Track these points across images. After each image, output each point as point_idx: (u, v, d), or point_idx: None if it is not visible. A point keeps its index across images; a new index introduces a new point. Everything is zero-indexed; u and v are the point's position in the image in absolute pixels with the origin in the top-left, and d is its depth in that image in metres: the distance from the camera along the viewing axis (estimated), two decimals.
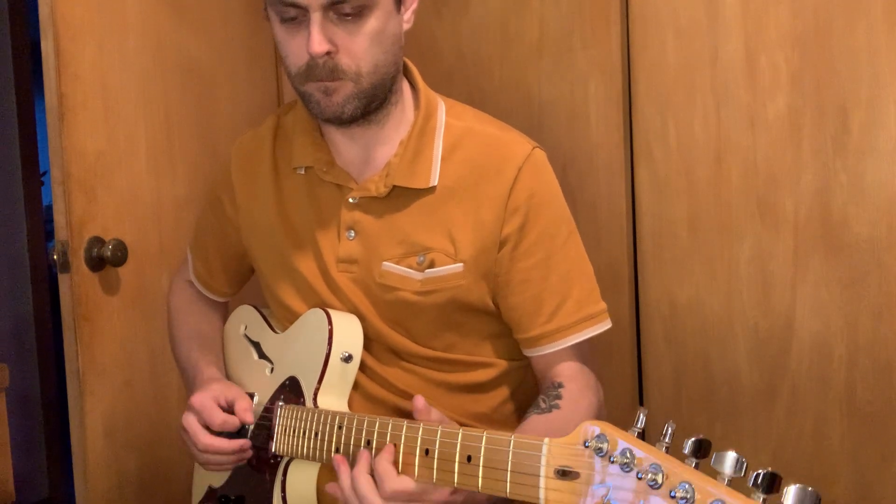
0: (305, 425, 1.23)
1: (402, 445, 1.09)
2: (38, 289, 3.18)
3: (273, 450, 1.29)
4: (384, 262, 1.27)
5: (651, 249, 1.79)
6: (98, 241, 1.69)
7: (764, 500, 0.78)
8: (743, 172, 1.69)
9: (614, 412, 1.81)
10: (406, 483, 1.07)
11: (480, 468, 1.00)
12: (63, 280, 1.67)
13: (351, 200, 1.29)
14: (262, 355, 1.40)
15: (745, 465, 0.79)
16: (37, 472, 3.18)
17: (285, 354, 1.35)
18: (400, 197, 1.27)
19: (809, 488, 0.75)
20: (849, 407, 1.64)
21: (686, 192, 1.75)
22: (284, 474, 1.26)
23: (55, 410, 3.21)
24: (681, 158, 1.75)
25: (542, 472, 0.93)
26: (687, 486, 0.80)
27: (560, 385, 1.26)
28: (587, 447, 0.89)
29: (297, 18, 1.18)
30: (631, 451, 0.85)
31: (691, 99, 1.73)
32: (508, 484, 0.97)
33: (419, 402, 1.12)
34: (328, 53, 1.17)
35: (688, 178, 1.74)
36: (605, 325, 1.31)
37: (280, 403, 1.30)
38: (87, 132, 1.68)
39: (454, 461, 1.03)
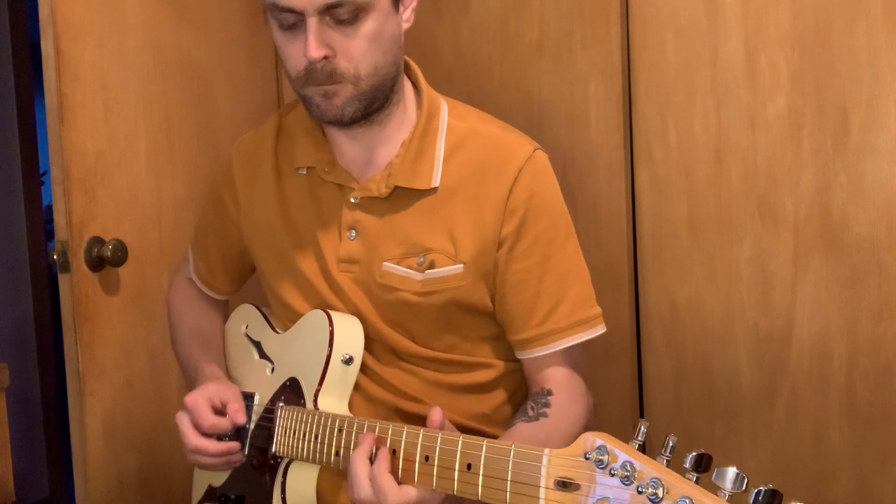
0: (305, 427, 1.23)
1: (401, 451, 1.08)
2: (38, 289, 3.17)
3: (273, 451, 1.29)
4: (385, 263, 1.27)
5: (651, 249, 1.79)
6: (98, 242, 1.69)
7: None
8: (743, 172, 1.69)
9: (614, 412, 1.82)
10: (408, 492, 1.06)
11: (480, 476, 0.99)
12: (63, 280, 1.66)
13: (352, 200, 1.29)
14: (262, 355, 1.40)
15: (745, 481, 0.79)
16: (37, 472, 3.17)
17: (286, 355, 1.35)
18: (401, 197, 1.27)
19: None
20: (849, 407, 1.64)
21: (686, 192, 1.75)
22: (284, 475, 1.26)
23: (55, 410, 3.20)
24: (681, 158, 1.75)
25: (542, 482, 0.92)
26: (687, 501, 0.80)
27: (549, 392, 1.26)
28: (588, 459, 0.88)
29: (296, 24, 1.18)
30: (632, 464, 0.85)
31: (691, 99, 1.73)
32: (508, 494, 0.96)
33: (435, 415, 1.10)
34: (326, 58, 1.17)
35: (688, 178, 1.74)
36: (599, 329, 1.31)
37: (280, 404, 1.30)
38: (87, 132, 1.68)
39: (454, 469, 1.02)
